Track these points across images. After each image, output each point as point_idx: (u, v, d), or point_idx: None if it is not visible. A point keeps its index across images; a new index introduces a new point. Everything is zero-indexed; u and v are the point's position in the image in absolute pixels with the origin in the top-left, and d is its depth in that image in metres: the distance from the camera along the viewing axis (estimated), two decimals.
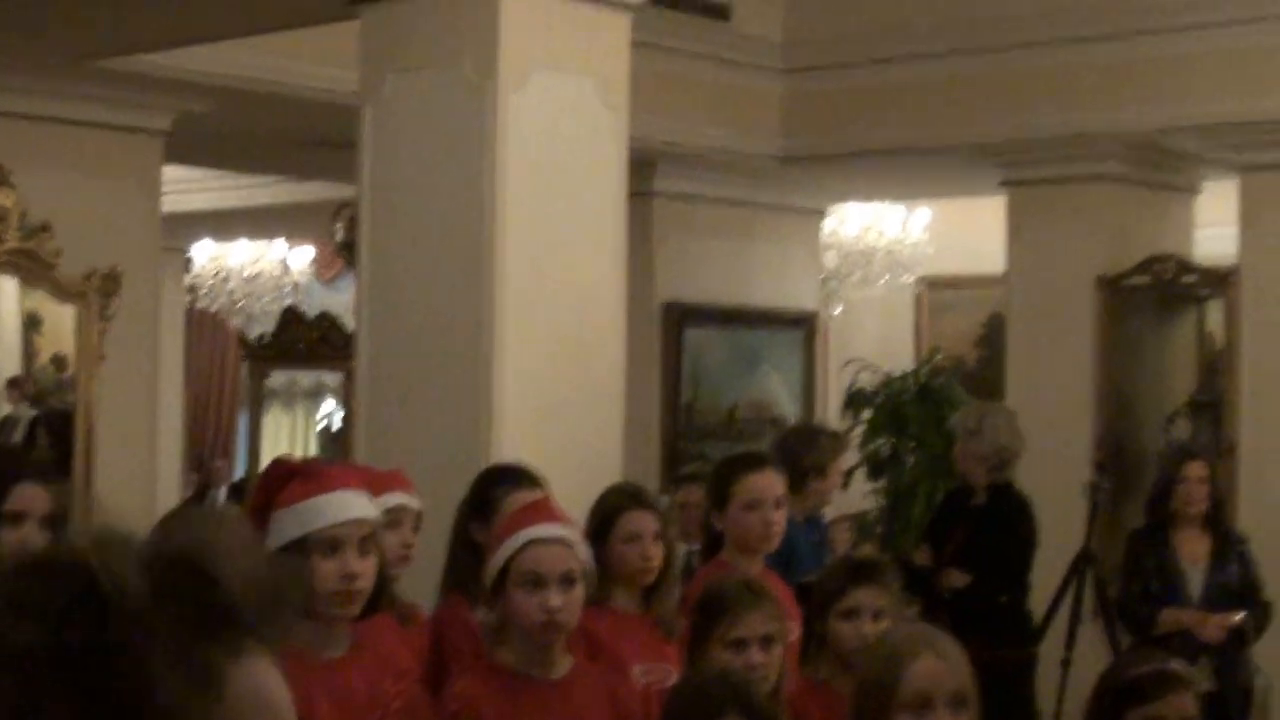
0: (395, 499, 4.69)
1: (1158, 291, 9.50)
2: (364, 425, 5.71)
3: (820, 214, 11.26)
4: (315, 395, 10.68)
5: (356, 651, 3.70)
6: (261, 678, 1.34)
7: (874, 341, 12.57)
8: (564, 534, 3.97)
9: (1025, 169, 9.51)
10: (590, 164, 5.64)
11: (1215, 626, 7.12)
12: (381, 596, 3.80)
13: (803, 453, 7.04)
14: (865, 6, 9.61)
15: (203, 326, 15.86)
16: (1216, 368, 9.48)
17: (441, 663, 4.80)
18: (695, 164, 9.81)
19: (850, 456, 10.95)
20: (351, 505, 3.67)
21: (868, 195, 11.53)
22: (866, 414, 10.77)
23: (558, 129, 5.54)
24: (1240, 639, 7.13)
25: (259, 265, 13.99)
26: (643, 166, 9.58)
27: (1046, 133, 9.22)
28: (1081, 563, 8.31)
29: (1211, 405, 9.30)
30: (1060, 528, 8.51)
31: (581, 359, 5.67)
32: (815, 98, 9.77)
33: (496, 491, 4.79)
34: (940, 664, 3.57)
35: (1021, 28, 9.10)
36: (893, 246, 11.92)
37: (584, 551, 4.04)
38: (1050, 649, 7.93)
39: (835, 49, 9.62)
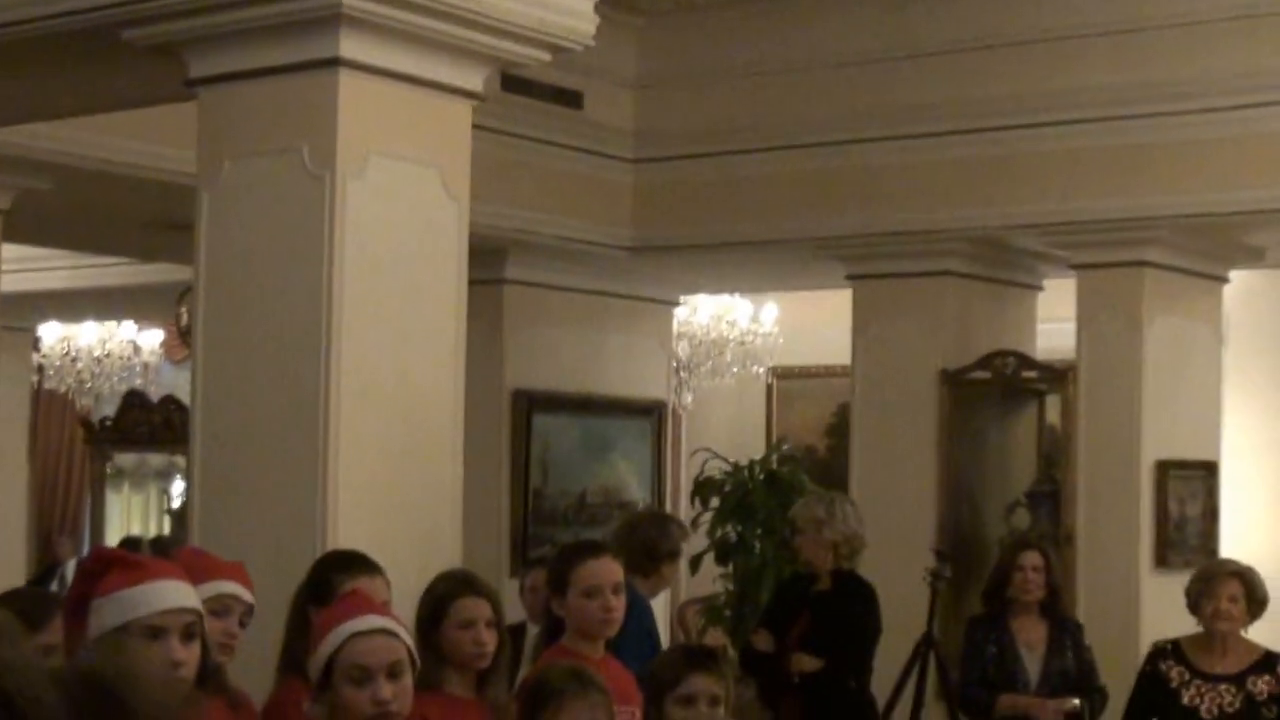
0: (227, 588, 4.60)
1: (999, 386, 9.58)
2: (199, 511, 5.57)
3: (671, 304, 11.25)
4: (166, 475, 10.51)
5: None
6: None
7: (726, 429, 12.60)
8: (386, 624, 3.90)
9: (870, 264, 9.57)
10: (431, 254, 5.55)
11: (1052, 712, 7.24)
12: (206, 683, 3.71)
13: (658, 538, 7.14)
14: (716, 100, 9.64)
15: (51, 406, 15.53)
16: (1055, 459, 9.57)
17: None
18: (546, 252, 9.76)
19: (699, 542, 11.00)
20: (174, 594, 3.60)
21: (718, 286, 11.56)
22: (715, 501, 10.77)
23: (397, 218, 5.46)
24: None
25: (108, 346, 13.76)
26: (493, 254, 9.56)
27: (891, 228, 9.30)
28: (924, 648, 8.37)
29: (1051, 495, 9.41)
30: (904, 614, 8.55)
31: (419, 450, 5.57)
32: (665, 188, 9.77)
33: (335, 577, 4.72)
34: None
35: (867, 125, 9.19)
36: (744, 338, 11.96)
37: (407, 637, 3.97)
38: None
39: (686, 140, 9.64)
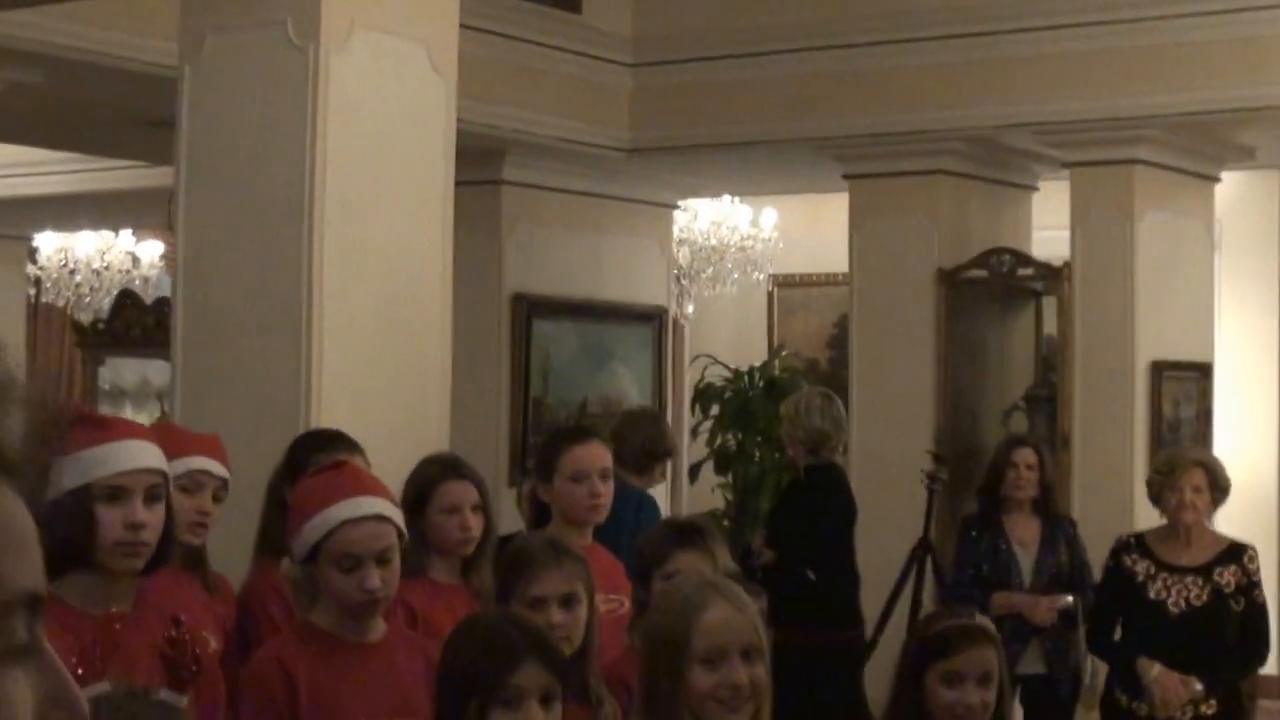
0: (198, 463, 4.49)
1: (996, 285, 9.50)
2: (181, 390, 5.49)
3: (670, 208, 11.13)
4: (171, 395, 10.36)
5: (141, 609, 3.48)
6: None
7: (729, 340, 12.50)
8: (378, 509, 3.77)
9: (866, 163, 9.48)
10: (417, 129, 5.46)
11: (1045, 609, 7.16)
12: (169, 552, 3.60)
13: (656, 437, 7.11)
14: (712, 4, 9.52)
15: (50, 320, 15.22)
16: (1052, 363, 9.48)
17: (251, 629, 4.64)
18: (544, 154, 9.64)
19: (699, 450, 10.96)
20: (138, 454, 3.45)
21: (716, 189, 11.43)
22: (715, 409, 10.70)
23: (383, 92, 5.36)
24: (1070, 621, 7.13)
25: (106, 257, 13.54)
26: (490, 155, 9.45)
27: (886, 128, 9.22)
28: (920, 551, 8.37)
29: (1048, 399, 9.33)
30: (902, 518, 8.57)
31: (406, 327, 5.49)
32: (663, 91, 9.67)
33: (312, 457, 4.61)
34: (733, 613, 3.42)
35: (864, 27, 9.10)
36: (743, 243, 11.83)
37: (398, 518, 3.85)
38: (896, 635, 7.88)
39: (683, 44, 9.52)
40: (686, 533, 4.64)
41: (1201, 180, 9.50)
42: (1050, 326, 9.63)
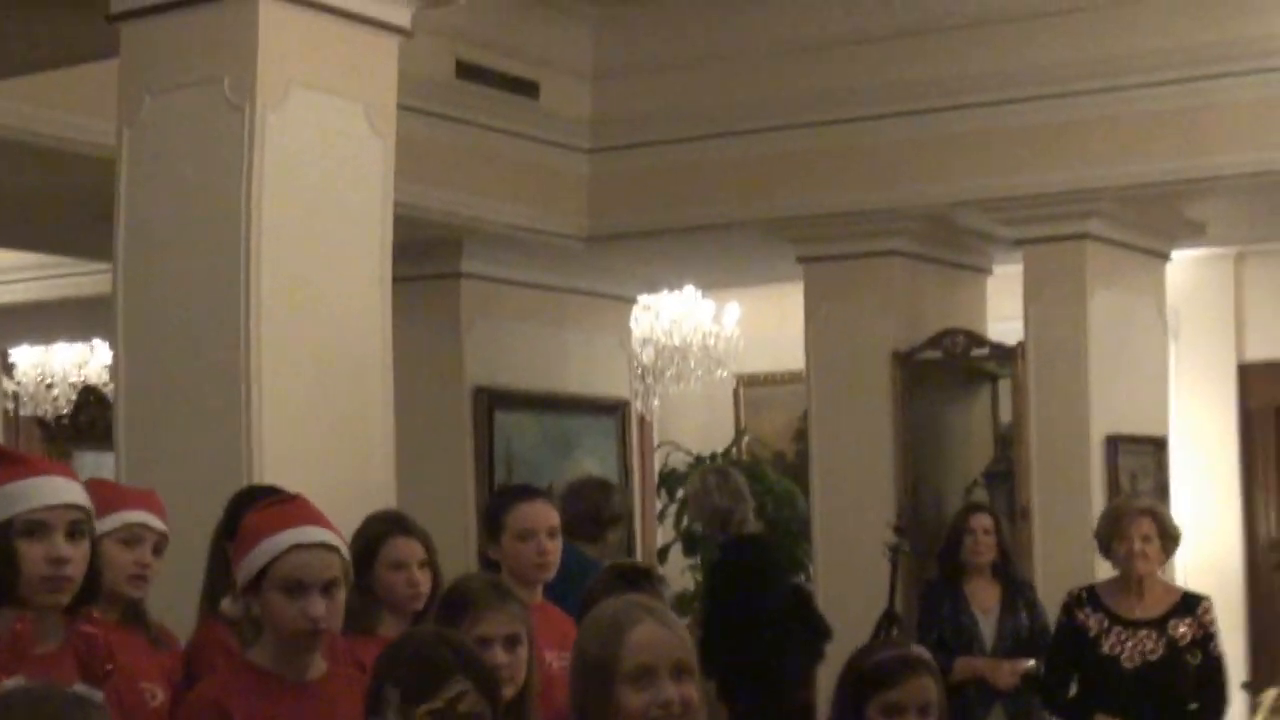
0: (136, 516, 4.43)
1: (951, 366, 9.49)
2: (124, 456, 5.40)
3: (629, 302, 11.13)
4: None
5: (70, 648, 3.40)
6: None
7: (696, 432, 12.45)
8: (328, 539, 3.70)
9: (819, 245, 9.49)
10: (355, 187, 5.43)
11: (1008, 673, 7.09)
12: (97, 590, 3.52)
13: (601, 503, 7.05)
14: (669, 88, 9.57)
15: (31, 434, 15.15)
16: (1010, 440, 9.45)
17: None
18: (502, 244, 9.62)
19: (667, 533, 10.93)
20: (59, 490, 3.39)
21: (675, 281, 11.41)
22: (680, 493, 10.67)
23: (320, 150, 5.33)
24: (1033, 684, 7.02)
25: (84, 371, 13.50)
26: (449, 247, 9.46)
27: (838, 209, 9.24)
28: (886, 621, 8.30)
29: (1007, 474, 9.29)
30: (868, 592, 8.49)
31: (347, 387, 5.43)
32: (620, 177, 9.69)
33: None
34: (661, 631, 3.33)
35: (814, 109, 9.16)
36: (706, 339, 11.80)
37: (345, 551, 3.77)
38: None
39: (640, 129, 9.57)
40: (631, 576, 4.58)
41: (1153, 257, 9.53)
42: (1006, 406, 9.61)
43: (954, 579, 7.33)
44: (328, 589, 3.63)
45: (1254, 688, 6.51)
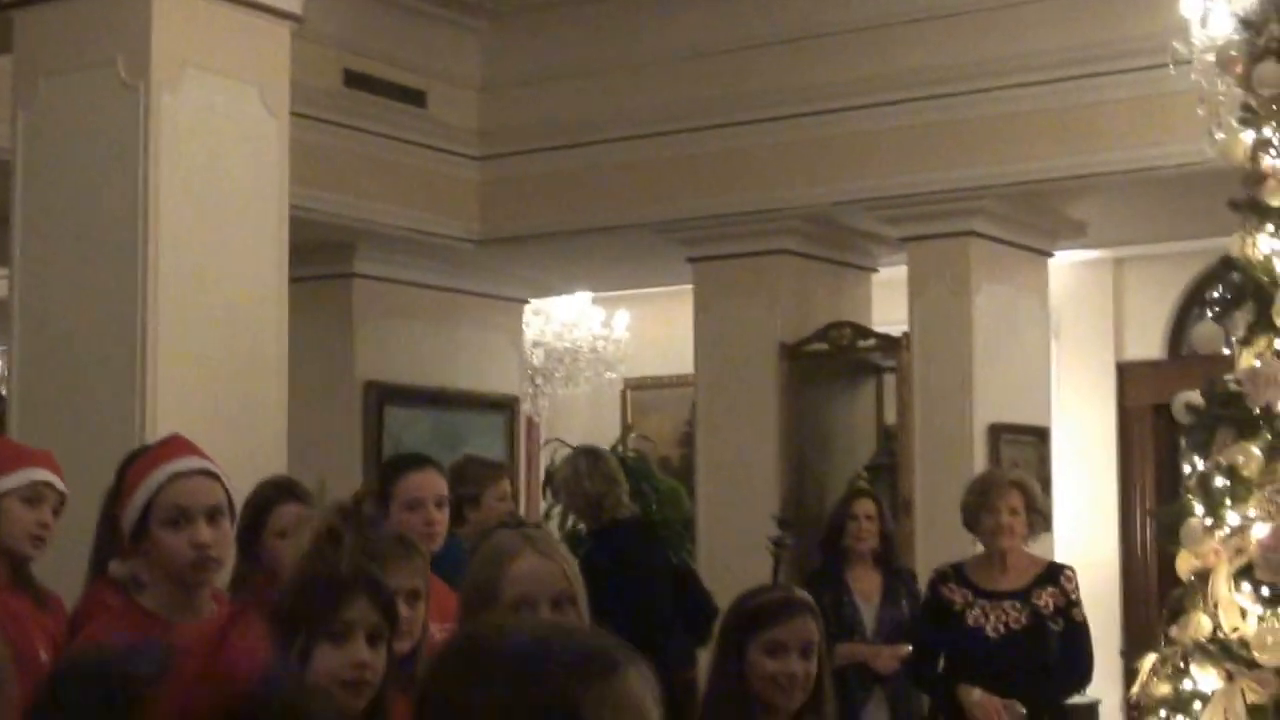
0: (40, 474, 4.43)
1: (837, 358, 9.61)
2: (18, 424, 5.44)
3: (521, 302, 11.23)
4: None
5: None
6: None
7: (583, 435, 12.51)
8: (208, 466, 3.68)
9: (708, 245, 9.62)
10: (250, 167, 5.52)
11: (888, 658, 7.10)
12: None
13: (455, 486, 6.82)
14: (556, 97, 9.70)
15: None
16: (894, 434, 9.60)
17: None
18: (395, 246, 9.71)
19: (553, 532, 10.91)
20: None
21: (567, 287, 11.53)
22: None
23: (215, 130, 5.42)
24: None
25: None
26: (342, 248, 9.53)
27: (725, 210, 9.37)
28: None
29: (889, 468, 9.41)
30: (750, 583, 8.50)
31: (241, 362, 5.50)
32: (510, 183, 9.80)
33: None
34: (542, 562, 3.41)
35: (698, 114, 9.31)
36: (595, 343, 11.93)
37: (228, 482, 3.74)
38: None
39: (528, 136, 9.69)
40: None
41: (1035, 255, 9.68)
42: (891, 402, 9.74)
43: (836, 566, 7.37)
44: (213, 517, 3.58)
45: (1129, 655, 6.66)
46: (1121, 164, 8.48)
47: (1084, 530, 10.54)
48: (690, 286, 10.01)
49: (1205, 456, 5.59)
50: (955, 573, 6.44)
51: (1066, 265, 10.80)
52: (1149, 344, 11.44)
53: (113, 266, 5.32)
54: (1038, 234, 9.60)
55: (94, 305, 5.36)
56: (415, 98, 9.53)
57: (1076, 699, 8.61)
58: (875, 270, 10.18)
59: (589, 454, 7.59)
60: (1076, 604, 6.30)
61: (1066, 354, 11.24)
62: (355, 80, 9.16)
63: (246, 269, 5.51)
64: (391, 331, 10.00)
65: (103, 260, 5.34)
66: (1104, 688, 9.42)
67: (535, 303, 11.57)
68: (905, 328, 9.31)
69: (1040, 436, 9.56)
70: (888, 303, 10.10)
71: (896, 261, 9.71)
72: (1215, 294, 5.65)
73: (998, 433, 9.04)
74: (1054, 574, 6.36)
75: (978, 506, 6.33)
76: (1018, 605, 6.18)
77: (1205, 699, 5.36)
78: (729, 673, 4.13)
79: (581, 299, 11.91)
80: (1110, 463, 11.37)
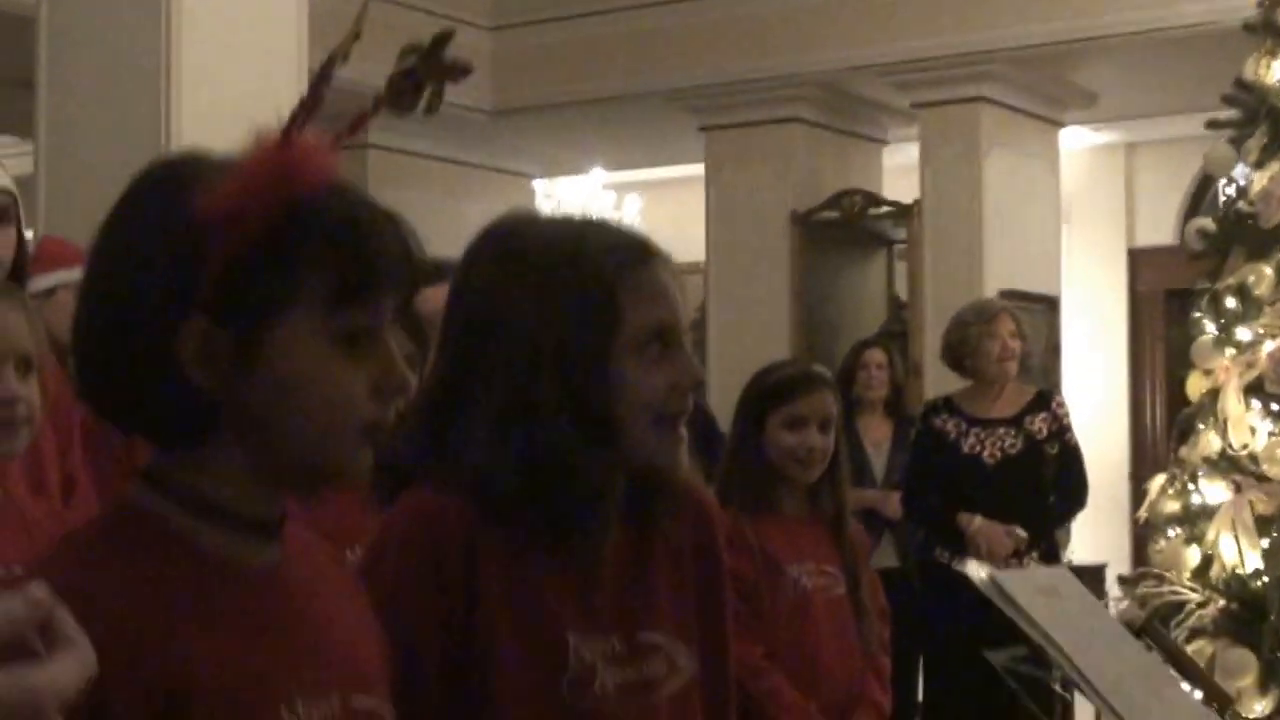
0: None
1: (848, 227, 9.66)
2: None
3: (530, 177, 11.30)
4: None
5: None
6: None
7: None
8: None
9: (720, 114, 9.67)
10: (272, 30, 5.54)
11: (897, 504, 7.15)
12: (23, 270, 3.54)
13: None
14: None
15: None
16: (903, 303, 9.67)
17: None
18: (410, 117, 9.72)
19: None
20: None
21: (579, 163, 11.56)
22: None
23: None
24: None
25: None
26: (356, 118, 9.54)
27: (739, 76, 9.40)
28: None
29: (900, 334, 9.46)
30: None
31: None
32: (523, 52, 9.83)
33: None
34: None
35: None
36: None
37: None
38: None
39: (540, 5, 9.70)
40: None
41: (1046, 124, 9.72)
42: (900, 272, 9.81)
43: (846, 415, 7.45)
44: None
45: (1137, 479, 6.69)
46: (1131, 25, 8.52)
47: (1094, 412, 10.58)
48: (700, 169, 10.07)
49: (1216, 280, 5.65)
50: (946, 404, 6.37)
51: (1079, 151, 10.84)
52: (1161, 230, 11.48)
53: (136, 96, 5.35)
54: (1048, 102, 9.64)
55: (118, 134, 5.40)
56: None
57: (1084, 560, 8.74)
58: (886, 143, 10.21)
59: None
60: (1068, 429, 6.25)
61: (1077, 240, 11.28)
62: None
63: (266, 96, 5.55)
64: (405, 204, 9.88)
65: (126, 90, 5.38)
66: (1111, 553, 9.56)
67: (546, 184, 11.61)
68: (915, 196, 9.37)
69: (1050, 305, 9.61)
70: (897, 184, 10.16)
71: (906, 138, 9.76)
72: (1228, 116, 5.65)
73: (1007, 299, 9.07)
74: (1045, 400, 6.29)
75: (980, 334, 6.18)
76: (1012, 431, 6.12)
77: (1213, 512, 5.44)
78: (748, 446, 4.19)
79: (593, 181, 11.94)
80: (1121, 346, 11.44)
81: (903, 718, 7.24)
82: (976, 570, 2.66)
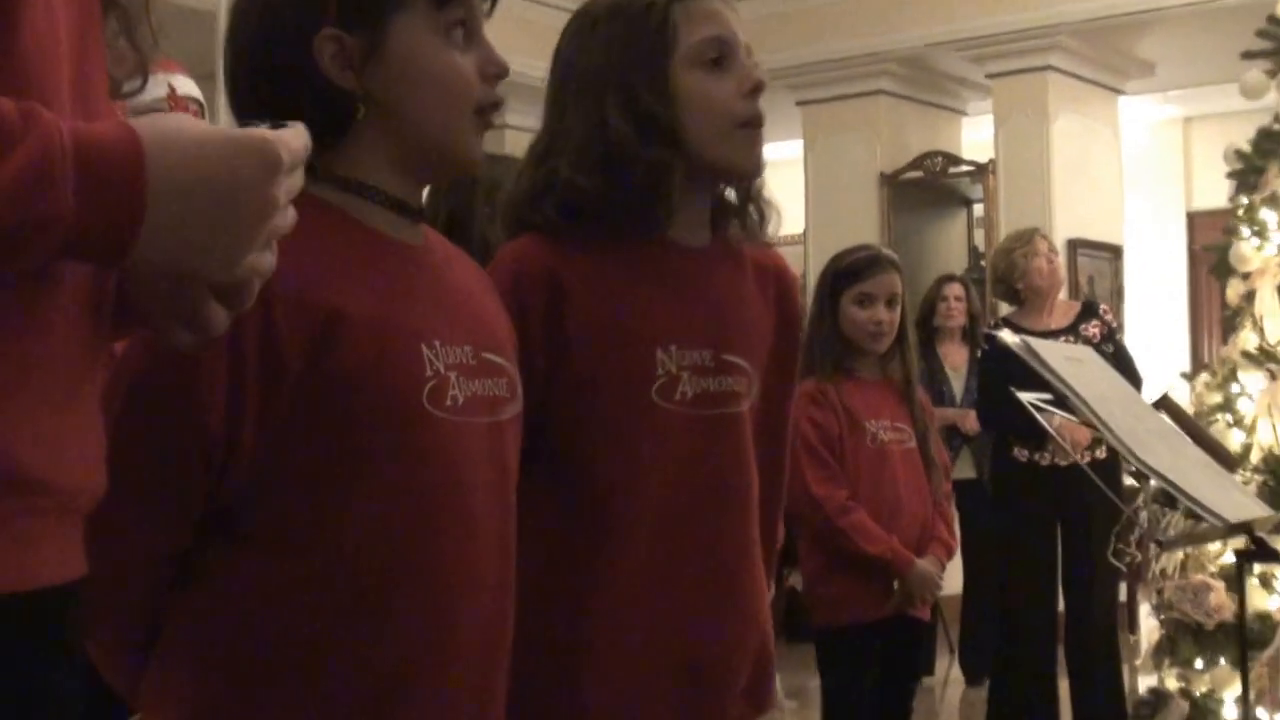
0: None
1: (931, 185, 9.75)
2: None
3: None
4: None
5: None
6: None
7: None
8: None
9: (815, 90, 9.77)
10: None
11: (973, 420, 7.20)
12: None
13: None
14: None
15: None
16: (982, 254, 9.72)
17: None
18: (539, 99, 9.87)
19: None
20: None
21: None
22: None
23: None
24: None
25: None
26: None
27: (830, 54, 9.53)
28: None
29: (979, 281, 9.50)
30: None
31: None
32: None
33: None
34: None
35: None
36: None
37: None
38: None
39: None
40: None
41: (1107, 91, 9.71)
42: (978, 230, 9.87)
43: (928, 343, 7.51)
44: None
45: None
46: None
47: (1156, 356, 10.55)
48: (798, 147, 10.16)
49: (1251, 192, 5.68)
50: (1006, 323, 6.32)
51: (1141, 125, 10.85)
52: (1217, 194, 11.41)
53: None
54: (1109, 71, 9.65)
55: None
56: None
57: None
58: (964, 113, 10.26)
59: None
60: (1118, 330, 6.28)
61: (1138, 206, 11.25)
62: None
63: None
64: None
65: None
66: None
67: None
68: (990, 156, 9.43)
69: (1115, 253, 9.64)
70: (974, 147, 10.21)
71: (981, 110, 9.80)
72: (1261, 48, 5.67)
73: (1075, 247, 9.14)
74: (1093, 309, 6.29)
75: (1024, 255, 6.14)
76: (1071, 338, 6.07)
77: (1251, 399, 5.48)
78: (825, 321, 4.35)
79: None
80: (1182, 297, 11.43)
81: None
82: (1011, 338, 2.77)
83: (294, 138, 1.24)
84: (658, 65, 2.05)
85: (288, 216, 1.23)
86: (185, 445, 1.56)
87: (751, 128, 2.11)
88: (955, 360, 7.58)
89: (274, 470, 1.58)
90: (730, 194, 2.17)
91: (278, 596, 1.58)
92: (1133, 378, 6.21)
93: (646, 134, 2.04)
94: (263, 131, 1.21)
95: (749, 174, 2.14)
